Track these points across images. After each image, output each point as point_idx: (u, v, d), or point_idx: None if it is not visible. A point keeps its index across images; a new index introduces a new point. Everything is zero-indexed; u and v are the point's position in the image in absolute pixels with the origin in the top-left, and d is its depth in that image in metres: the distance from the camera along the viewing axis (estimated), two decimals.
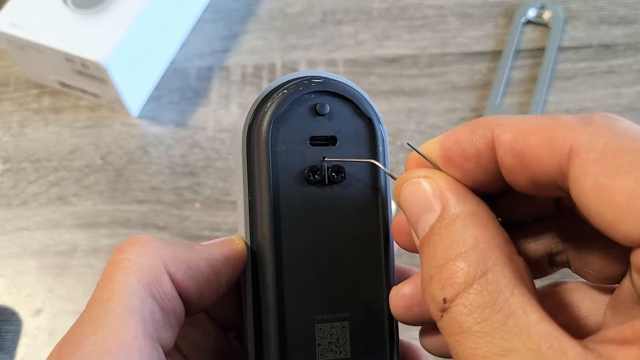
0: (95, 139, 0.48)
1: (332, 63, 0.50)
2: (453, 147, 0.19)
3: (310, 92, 0.21)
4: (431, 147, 0.20)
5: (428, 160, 0.20)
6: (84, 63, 0.44)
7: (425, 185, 0.19)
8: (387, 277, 0.22)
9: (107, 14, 0.45)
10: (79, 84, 0.47)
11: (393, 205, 0.23)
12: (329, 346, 0.21)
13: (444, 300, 0.16)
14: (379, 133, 0.22)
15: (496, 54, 0.50)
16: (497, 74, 0.49)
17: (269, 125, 0.21)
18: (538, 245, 0.21)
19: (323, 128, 0.22)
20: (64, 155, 0.47)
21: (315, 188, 0.22)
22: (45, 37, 0.44)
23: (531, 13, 0.51)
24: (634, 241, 0.15)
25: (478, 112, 0.48)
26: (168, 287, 0.19)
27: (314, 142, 0.22)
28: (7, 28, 0.45)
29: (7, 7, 0.45)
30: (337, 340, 0.21)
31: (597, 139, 0.15)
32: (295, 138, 0.21)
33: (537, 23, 0.51)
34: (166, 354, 0.20)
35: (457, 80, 0.49)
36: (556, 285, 0.21)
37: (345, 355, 0.21)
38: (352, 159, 0.22)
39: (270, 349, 0.21)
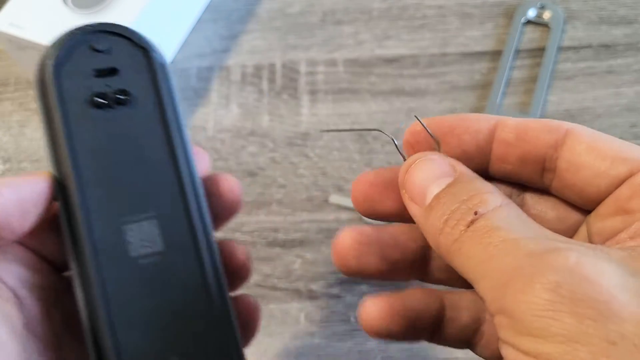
0: None
1: (332, 63, 0.50)
2: (457, 121, 0.22)
3: (86, 32, 0.25)
4: (436, 120, 0.23)
5: (429, 132, 0.22)
6: None
7: (437, 157, 0.22)
8: (180, 178, 0.25)
9: (107, 14, 0.45)
10: None
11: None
12: (140, 242, 0.24)
13: (476, 213, 0.19)
14: (155, 60, 0.25)
15: (496, 54, 0.50)
16: (497, 74, 0.49)
17: (52, 66, 0.24)
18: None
19: (104, 62, 0.25)
20: None
21: (104, 112, 0.24)
22: (46, 37, 0.44)
23: (531, 13, 0.51)
24: (622, 179, 0.20)
25: (478, 112, 0.48)
26: None
27: (97, 75, 0.25)
28: (7, 28, 0.45)
29: (7, 7, 0.45)
30: (148, 236, 0.24)
31: (582, 127, 0.21)
32: (79, 73, 0.24)
33: (537, 23, 0.51)
34: None
35: (457, 80, 0.49)
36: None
37: (159, 248, 0.24)
38: (354, 129, 0.25)
39: (84, 257, 0.23)
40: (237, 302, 0.27)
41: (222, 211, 0.28)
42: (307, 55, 0.51)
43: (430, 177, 0.21)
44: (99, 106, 0.24)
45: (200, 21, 0.53)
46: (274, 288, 0.42)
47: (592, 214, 0.21)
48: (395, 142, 0.24)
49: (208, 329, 0.24)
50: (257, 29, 0.52)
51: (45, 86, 0.24)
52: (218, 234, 0.27)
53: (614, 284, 0.16)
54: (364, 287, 0.42)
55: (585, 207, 0.22)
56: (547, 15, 0.51)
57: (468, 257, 0.19)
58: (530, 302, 0.16)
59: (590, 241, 0.21)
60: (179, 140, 0.25)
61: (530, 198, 0.24)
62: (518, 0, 0.52)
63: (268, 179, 0.46)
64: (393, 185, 0.24)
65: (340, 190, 0.45)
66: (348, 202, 0.44)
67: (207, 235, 0.25)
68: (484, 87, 0.49)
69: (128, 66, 0.25)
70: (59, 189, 0.24)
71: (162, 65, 0.26)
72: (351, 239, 0.24)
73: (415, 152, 0.23)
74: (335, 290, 0.42)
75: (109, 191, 0.24)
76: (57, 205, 0.24)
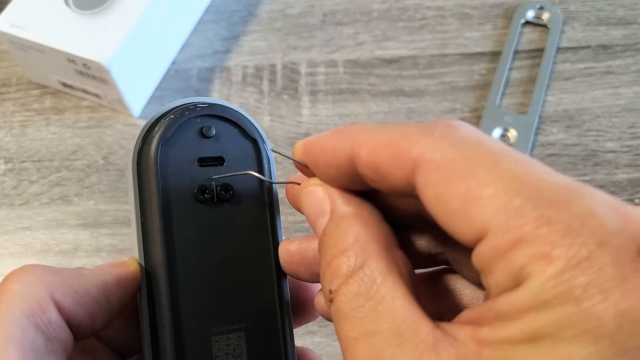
0: (97, 139, 0.48)
1: (332, 64, 0.51)
2: (319, 156, 0.20)
3: (196, 116, 0.23)
4: (298, 152, 0.21)
5: (299, 163, 0.21)
6: (86, 63, 0.44)
7: (319, 191, 0.20)
8: (279, 287, 0.23)
9: (109, 15, 0.45)
10: (81, 84, 0.47)
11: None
12: (226, 357, 0.22)
13: (330, 292, 0.18)
14: (263, 152, 0.24)
15: (495, 55, 0.50)
16: (496, 75, 0.49)
17: (157, 149, 0.22)
18: (421, 244, 0.22)
19: (210, 149, 0.23)
20: (65, 155, 0.48)
21: (205, 206, 0.23)
22: (47, 38, 0.44)
23: (530, 14, 0.52)
24: (470, 243, 0.16)
25: (477, 112, 0.48)
26: (53, 315, 0.20)
27: (202, 163, 0.23)
28: (9, 29, 0.45)
29: (8, 8, 0.46)
30: (234, 350, 0.22)
31: (435, 151, 0.17)
32: (184, 160, 0.23)
33: (536, 24, 0.52)
34: None
35: (457, 81, 0.49)
36: (446, 270, 0.22)
37: None
38: (233, 174, 0.23)
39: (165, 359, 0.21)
40: None
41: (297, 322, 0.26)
42: (308, 56, 0.51)
43: (312, 214, 0.20)
44: (201, 200, 0.23)
45: (201, 22, 0.53)
46: None
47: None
48: (263, 177, 0.24)
49: None
50: (257, 30, 0.53)
51: (146, 166, 0.22)
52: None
53: None
54: None
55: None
56: (545, 16, 0.52)
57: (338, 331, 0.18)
58: None
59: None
60: (276, 246, 0.23)
61: None
62: (517, 1, 0.53)
63: None
64: (308, 260, 0.23)
65: None
66: None
67: (293, 353, 0.24)
68: (483, 87, 0.49)
69: (235, 157, 0.23)
70: (146, 282, 0.22)
71: (269, 159, 0.24)
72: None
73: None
74: None
75: (201, 295, 0.22)
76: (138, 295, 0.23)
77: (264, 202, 0.23)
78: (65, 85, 0.49)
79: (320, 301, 0.23)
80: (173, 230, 0.22)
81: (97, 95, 0.48)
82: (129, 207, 0.23)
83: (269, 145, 0.24)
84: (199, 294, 0.22)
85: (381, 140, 0.18)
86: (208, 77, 0.50)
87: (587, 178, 0.45)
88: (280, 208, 0.45)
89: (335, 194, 0.20)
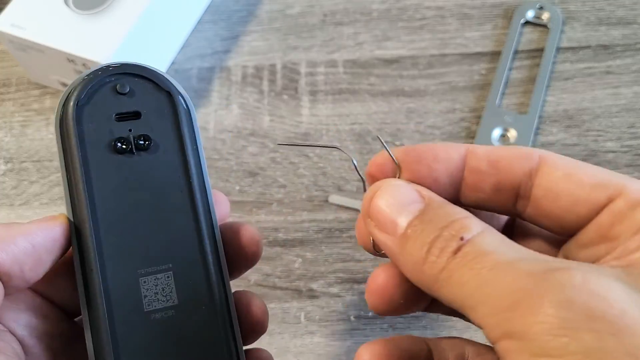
0: None
1: (332, 64, 0.51)
2: (426, 150, 0.22)
3: (109, 74, 0.24)
4: (403, 148, 0.22)
5: (392, 156, 0.22)
6: (86, 63, 0.44)
7: (403, 184, 0.21)
8: (202, 227, 0.24)
9: (109, 15, 0.45)
10: None
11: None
12: (155, 296, 0.23)
13: (462, 239, 0.19)
14: (179, 104, 0.25)
15: (495, 55, 0.50)
16: (496, 75, 0.49)
17: (73, 107, 0.23)
18: None
19: (126, 105, 0.24)
20: None
21: (124, 157, 0.24)
22: (47, 38, 0.44)
23: (530, 14, 0.52)
24: (601, 206, 0.20)
25: (477, 112, 0.48)
26: None
27: (119, 118, 0.24)
28: (8, 29, 0.45)
29: (8, 8, 0.46)
30: (163, 289, 0.23)
31: (555, 155, 0.21)
32: (101, 117, 0.24)
33: (535, 24, 0.52)
34: None
35: (457, 81, 0.49)
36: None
37: (173, 302, 0.24)
38: (320, 145, 0.25)
39: (97, 306, 0.23)
40: (250, 357, 0.27)
41: (241, 261, 0.27)
42: (308, 56, 0.51)
43: (398, 204, 0.21)
44: (119, 151, 0.24)
45: (200, 22, 0.53)
46: (275, 287, 0.42)
47: (571, 242, 0.21)
48: (355, 163, 0.23)
49: None
50: (257, 30, 0.53)
51: (66, 127, 0.23)
52: (236, 282, 0.27)
53: (622, 299, 0.16)
54: (363, 287, 0.42)
55: (562, 234, 0.21)
56: (545, 16, 0.52)
57: (460, 285, 0.18)
58: (543, 322, 0.16)
59: None
60: (199, 190, 0.25)
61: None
62: (517, 1, 0.53)
63: (268, 179, 0.46)
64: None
65: (340, 190, 0.45)
66: (348, 202, 0.45)
67: (224, 290, 0.25)
68: (483, 87, 0.49)
69: (151, 110, 0.25)
70: (75, 234, 0.23)
71: (187, 111, 0.25)
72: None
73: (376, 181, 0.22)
74: (335, 290, 0.42)
75: (126, 240, 0.23)
76: (71, 250, 0.24)
77: (182, 150, 0.25)
78: (65, 85, 0.49)
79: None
80: (93, 182, 0.23)
81: None
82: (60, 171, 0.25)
83: (188, 99, 0.25)
84: (124, 239, 0.23)
85: (497, 147, 0.22)
86: (208, 77, 0.50)
87: None
88: (279, 208, 0.45)
89: (423, 189, 0.21)
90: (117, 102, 0.24)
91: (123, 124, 0.24)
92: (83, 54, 0.43)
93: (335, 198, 0.45)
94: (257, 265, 0.43)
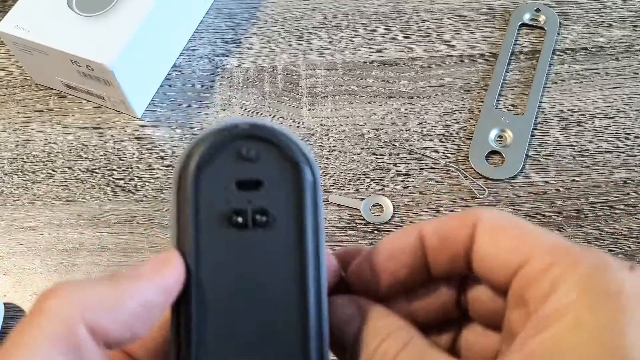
0: (100, 139, 0.49)
1: (331, 66, 0.51)
2: (387, 251, 0.23)
3: (237, 136, 0.22)
4: (355, 268, 0.24)
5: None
6: (89, 65, 0.45)
7: (348, 301, 0.23)
8: (304, 328, 0.22)
9: (112, 17, 0.46)
10: (84, 86, 0.48)
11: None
12: None
13: None
14: (304, 177, 0.22)
15: (492, 57, 0.51)
16: (493, 76, 0.50)
17: (195, 169, 0.21)
18: (444, 294, 0.25)
19: (249, 172, 0.22)
20: (69, 155, 0.48)
21: (238, 231, 0.22)
22: (51, 40, 0.45)
23: (527, 16, 0.52)
24: (515, 271, 0.20)
25: (474, 113, 0.49)
26: (82, 337, 0.19)
27: (239, 186, 0.22)
28: (13, 31, 0.45)
29: (12, 10, 0.46)
30: None
31: (491, 213, 0.22)
32: (221, 181, 0.22)
33: (532, 26, 0.52)
34: None
35: (454, 83, 0.50)
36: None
37: None
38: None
39: None
40: None
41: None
42: (308, 58, 0.52)
43: (342, 320, 0.23)
44: (234, 224, 0.22)
45: (202, 25, 0.54)
46: None
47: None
48: None
49: None
50: (258, 33, 0.53)
51: (184, 187, 0.22)
52: None
53: None
54: None
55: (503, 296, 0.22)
56: (542, 18, 0.52)
57: None
58: None
59: (508, 334, 0.22)
60: (313, 277, 0.22)
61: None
62: (514, 3, 0.53)
63: None
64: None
65: (340, 189, 0.46)
66: (348, 201, 0.45)
67: None
68: (480, 89, 0.50)
69: (274, 181, 0.22)
70: (179, 299, 0.21)
71: (313, 186, 0.22)
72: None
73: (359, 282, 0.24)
74: None
75: (226, 322, 0.21)
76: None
77: (301, 229, 0.22)
78: (69, 86, 0.50)
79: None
80: (201, 253, 0.21)
81: (100, 97, 0.49)
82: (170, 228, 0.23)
83: (316, 170, 0.22)
84: (223, 320, 0.21)
85: (448, 216, 0.22)
86: (210, 78, 0.51)
87: (583, 178, 0.46)
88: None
89: (362, 300, 0.23)
90: (239, 167, 0.22)
91: (242, 194, 0.22)
92: (87, 56, 0.44)
93: (335, 197, 0.46)
94: None
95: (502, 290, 0.21)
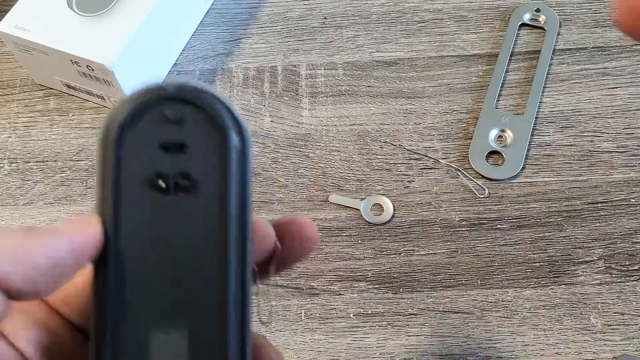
0: None
1: (331, 66, 0.51)
2: None
3: (162, 98, 0.21)
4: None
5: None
6: (90, 65, 0.45)
7: None
8: (231, 288, 0.21)
9: (112, 17, 0.46)
10: (85, 86, 0.48)
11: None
12: (163, 356, 0.21)
13: None
14: (231, 143, 0.21)
15: (492, 57, 0.51)
16: (493, 76, 0.50)
17: (117, 131, 0.21)
18: None
19: (173, 135, 0.21)
20: (69, 155, 0.48)
21: (160, 195, 0.21)
22: (51, 40, 0.45)
23: (527, 16, 0.52)
24: None
25: (474, 113, 0.49)
26: None
27: (163, 149, 0.21)
28: (12, 31, 0.46)
29: (12, 10, 0.46)
30: (174, 352, 0.21)
31: None
32: (145, 145, 0.21)
33: (532, 26, 0.52)
34: None
35: (454, 83, 0.50)
36: None
37: None
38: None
39: (102, 350, 0.21)
40: None
41: (292, 255, 0.25)
42: (308, 58, 0.52)
43: None
44: (156, 188, 0.21)
45: (202, 25, 0.54)
46: (276, 285, 0.43)
47: None
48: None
49: None
50: (258, 33, 0.53)
51: (106, 147, 0.21)
52: None
53: None
54: (362, 285, 0.43)
55: None
56: (542, 18, 0.52)
57: None
58: None
59: None
60: (236, 243, 0.21)
61: None
62: (514, 3, 0.53)
63: (270, 179, 0.47)
64: None
65: (340, 189, 0.46)
66: (348, 201, 0.45)
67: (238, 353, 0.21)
68: (480, 89, 0.50)
69: (200, 145, 0.21)
70: (98, 260, 0.21)
71: (241, 152, 0.22)
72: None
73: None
74: (335, 288, 0.43)
75: (144, 288, 0.21)
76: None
77: (225, 197, 0.21)
78: (69, 86, 0.50)
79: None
80: (122, 217, 0.21)
81: (100, 97, 0.49)
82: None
83: (247, 137, 0.22)
84: (143, 286, 0.21)
85: None
86: (210, 78, 0.51)
87: (584, 178, 0.46)
88: (280, 207, 0.45)
89: None
90: (164, 130, 0.21)
91: (166, 157, 0.21)
92: (87, 56, 0.44)
93: (335, 197, 0.46)
94: None
95: None
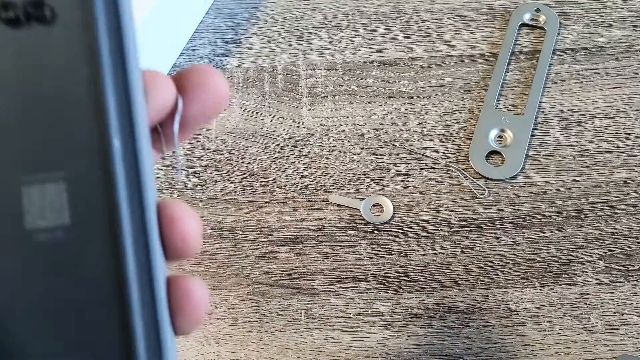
0: None
1: (331, 66, 0.51)
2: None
3: None
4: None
5: None
6: None
7: None
8: (103, 127, 0.18)
9: None
10: None
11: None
12: (41, 212, 0.18)
13: None
14: None
15: (492, 57, 0.51)
16: (493, 76, 0.50)
17: None
18: None
19: None
20: None
21: (11, 30, 0.18)
22: None
23: (527, 16, 0.52)
24: None
25: (474, 113, 0.49)
26: None
27: None
28: None
29: None
30: (52, 204, 0.18)
31: None
32: None
33: (532, 26, 0.52)
34: None
35: (454, 83, 0.50)
36: None
37: (63, 221, 0.18)
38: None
39: None
40: (176, 287, 0.20)
41: (199, 111, 0.21)
42: (308, 59, 0.52)
43: None
44: (5, 20, 0.18)
45: (202, 25, 0.54)
46: (275, 285, 0.43)
47: None
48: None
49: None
50: (258, 33, 0.53)
51: None
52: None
53: None
54: (362, 285, 0.43)
55: None
56: (542, 18, 0.52)
57: None
58: None
59: None
60: (114, 78, 0.18)
61: None
62: (514, 3, 0.53)
63: (269, 178, 0.47)
64: None
65: (340, 189, 0.46)
66: (348, 201, 0.45)
67: (139, 206, 0.18)
68: (480, 89, 0.50)
69: None
70: None
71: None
72: None
73: None
74: (334, 288, 0.43)
75: (9, 136, 0.18)
76: None
77: (89, 28, 0.18)
78: None
79: None
80: None
81: None
82: None
83: None
84: (6, 135, 0.18)
85: None
86: None
87: (583, 178, 0.46)
88: (280, 207, 0.45)
89: None
90: None
91: None
92: None
93: (335, 197, 0.46)
94: (258, 263, 0.44)
95: None
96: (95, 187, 0.18)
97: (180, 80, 0.21)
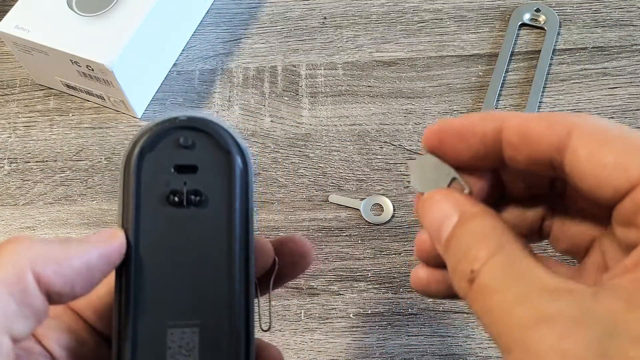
0: (100, 139, 0.49)
1: (331, 66, 0.51)
2: (465, 125, 0.22)
3: (176, 127, 0.25)
4: (443, 127, 0.23)
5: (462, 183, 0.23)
6: (90, 65, 0.45)
7: (444, 199, 0.23)
8: (237, 289, 0.25)
9: (112, 18, 0.46)
10: (84, 86, 0.48)
11: None
12: (179, 349, 0.24)
13: (471, 272, 0.20)
14: (235, 165, 0.25)
15: (492, 57, 0.51)
16: (493, 76, 0.50)
17: (138, 154, 0.25)
18: (530, 215, 0.25)
19: (186, 158, 0.25)
20: (69, 155, 0.48)
21: (175, 209, 0.25)
22: (51, 40, 0.45)
23: (527, 16, 0.52)
24: (621, 193, 0.19)
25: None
26: (29, 284, 0.21)
27: (177, 170, 0.25)
28: (12, 31, 0.46)
29: (12, 10, 0.46)
30: (187, 344, 0.24)
31: (588, 121, 0.20)
32: (162, 166, 0.25)
33: (532, 26, 0.52)
34: (29, 350, 0.23)
35: (454, 83, 0.50)
36: None
37: (194, 358, 0.24)
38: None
39: (124, 347, 0.24)
40: None
41: (289, 271, 0.28)
42: (308, 59, 0.52)
43: (437, 220, 0.22)
44: (172, 203, 0.25)
45: (202, 25, 0.54)
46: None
47: (614, 212, 0.20)
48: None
49: None
50: (258, 33, 0.53)
51: (127, 170, 0.25)
52: None
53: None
54: (362, 285, 0.43)
55: (602, 210, 0.21)
56: (542, 18, 0.52)
57: (479, 315, 0.20)
58: None
59: (611, 249, 0.21)
60: (240, 250, 0.25)
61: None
62: (514, 3, 0.53)
63: (269, 178, 0.47)
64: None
65: (340, 189, 0.46)
66: (347, 201, 0.45)
67: (245, 350, 0.25)
68: (480, 89, 0.50)
69: (208, 166, 0.25)
70: (118, 270, 0.24)
71: (243, 172, 0.25)
72: (415, 281, 0.26)
73: (440, 146, 0.23)
74: (334, 288, 0.43)
75: (162, 289, 0.24)
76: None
77: (231, 209, 0.25)
78: (69, 86, 0.50)
79: (421, 280, 0.25)
80: (141, 227, 0.24)
81: (100, 97, 0.49)
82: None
83: (248, 158, 0.26)
84: (161, 288, 0.24)
85: (532, 115, 0.21)
86: (210, 78, 0.51)
87: None
88: (280, 207, 0.45)
89: (460, 199, 0.22)
90: (178, 153, 0.25)
91: (180, 177, 0.25)
92: (87, 56, 0.44)
93: (335, 197, 0.46)
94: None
95: (601, 207, 0.20)
96: (220, 334, 0.24)
97: (279, 247, 0.27)
